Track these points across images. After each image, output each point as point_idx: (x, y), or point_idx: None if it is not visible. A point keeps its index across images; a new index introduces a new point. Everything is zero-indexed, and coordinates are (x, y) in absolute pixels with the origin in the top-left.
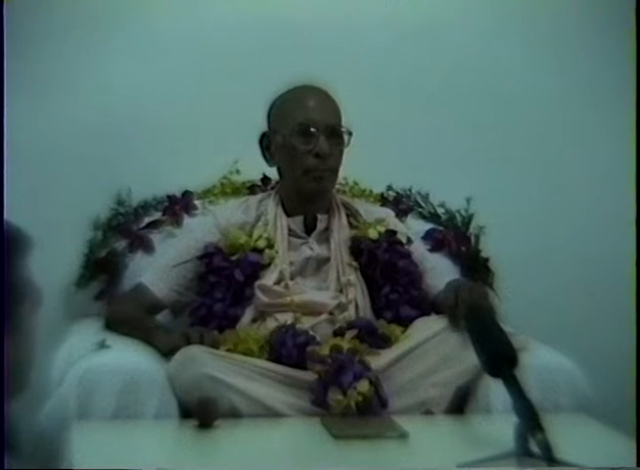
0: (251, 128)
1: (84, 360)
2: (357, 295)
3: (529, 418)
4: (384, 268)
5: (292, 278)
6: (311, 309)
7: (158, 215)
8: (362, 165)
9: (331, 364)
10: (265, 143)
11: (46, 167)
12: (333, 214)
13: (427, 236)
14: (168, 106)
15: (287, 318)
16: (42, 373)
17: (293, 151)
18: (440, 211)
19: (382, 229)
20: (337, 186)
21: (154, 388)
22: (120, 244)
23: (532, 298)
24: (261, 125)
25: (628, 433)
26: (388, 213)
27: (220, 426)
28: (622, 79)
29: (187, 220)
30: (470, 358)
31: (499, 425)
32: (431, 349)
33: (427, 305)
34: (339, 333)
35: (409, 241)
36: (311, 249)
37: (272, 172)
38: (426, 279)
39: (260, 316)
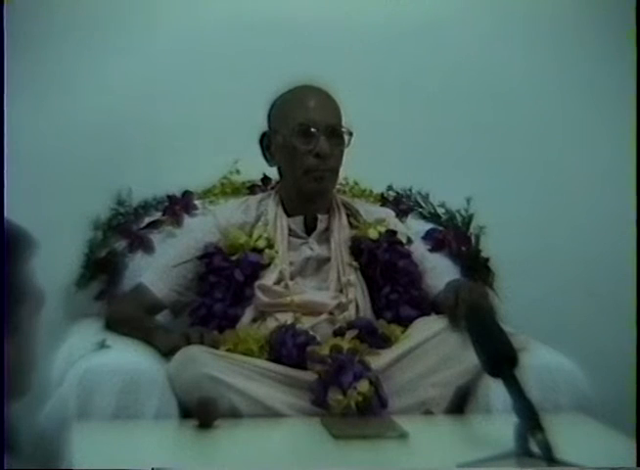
0: (252, 128)
1: (84, 360)
2: (357, 295)
3: (529, 418)
4: (384, 268)
5: (292, 278)
6: (311, 309)
7: (158, 215)
8: (362, 165)
9: (331, 364)
10: (265, 143)
11: (46, 167)
12: (333, 215)
13: (427, 236)
14: (168, 106)
15: (287, 318)
16: (42, 373)
17: (293, 151)
18: (440, 211)
19: (382, 229)
20: (337, 186)
21: (154, 388)
22: (120, 244)
23: (532, 298)
24: (261, 125)
25: (628, 433)
26: (388, 213)
27: (220, 426)
28: (622, 79)
29: (187, 220)
30: (470, 358)
31: (499, 425)
32: (431, 349)
33: (427, 305)
34: (339, 333)
35: (409, 241)
36: (311, 249)
37: (272, 172)
38: (426, 279)
39: (260, 316)
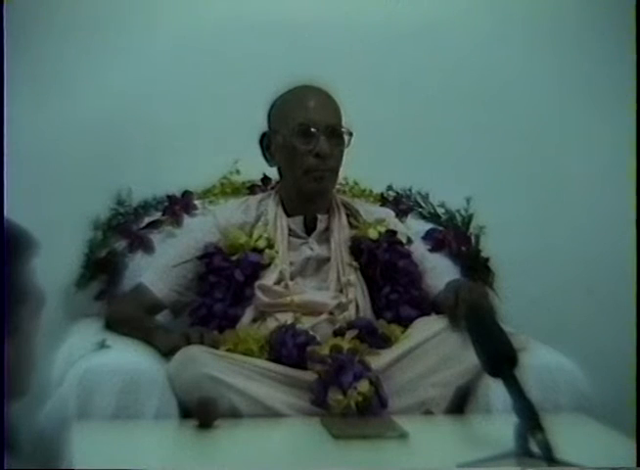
0: (251, 128)
1: (84, 360)
2: (357, 295)
3: (529, 418)
4: (384, 268)
5: (292, 278)
6: (311, 309)
7: (158, 215)
8: (362, 165)
9: (331, 364)
10: (265, 143)
11: (46, 167)
12: (333, 215)
13: (427, 236)
14: (168, 106)
15: (287, 318)
16: (42, 373)
17: (293, 151)
18: (440, 211)
19: (382, 229)
20: (337, 186)
21: (154, 388)
22: (120, 244)
23: (532, 298)
24: (261, 125)
25: (628, 433)
26: (388, 213)
27: (220, 426)
28: (622, 79)
29: (187, 220)
30: (470, 358)
31: (499, 425)
32: (431, 349)
33: (427, 305)
34: (339, 333)
35: (409, 241)
36: (311, 249)
37: (272, 172)
38: (426, 279)
39: (260, 316)
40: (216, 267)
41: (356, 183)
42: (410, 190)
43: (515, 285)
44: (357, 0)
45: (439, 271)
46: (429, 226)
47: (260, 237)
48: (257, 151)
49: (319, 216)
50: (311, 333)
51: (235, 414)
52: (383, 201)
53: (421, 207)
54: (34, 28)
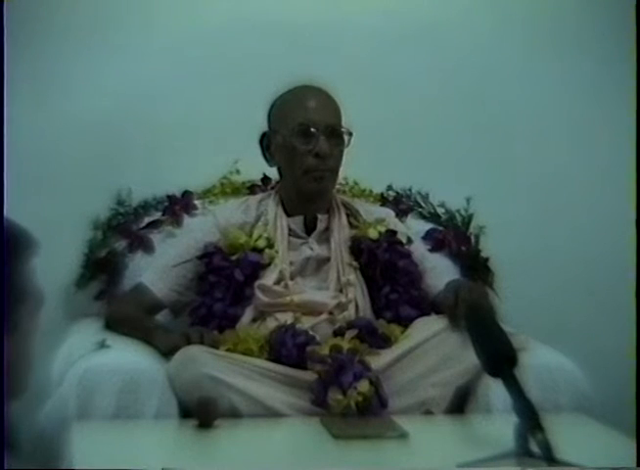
0: (251, 128)
1: (84, 360)
2: (357, 295)
3: (529, 418)
4: (384, 268)
5: (292, 278)
6: (311, 309)
7: (158, 215)
8: (362, 165)
9: (331, 364)
10: (265, 143)
11: (46, 167)
12: (333, 214)
13: (427, 236)
14: (168, 106)
15: (287, 318)
16: (42, 373)
17: (293, 151)
18: (440, 211)
19: (382, 229)
20: (337, 186)
21: (154, 388)
22: (120, 244)
23: (532, 298)
24: (261, 125)
25: (628, 433)
26: (388, 213)
27: (220, 426)
28: (622, 80)
29: (187, 220)
30: (470, 358)
31: (499, 425)
32: (431, 349)
33: (427, 305)
34: (339, 333)
35: (409, 241)
36: (311, 249)
37: (272, 172)
38: (426, 279)
39: (260, 316)
40: (216, 267)
41: (356, 183)
42: (410, 190)
43: (515, 285)
44: (357, 0)
45: (439, 271)
46: (429, 226)
47: (260, 237)
48: (257, 151)
49: (319, 216)
50: (311, 333)
51: (235, 414)
52: (383, 201)
53: (421, 207)
54: (34, 28)
